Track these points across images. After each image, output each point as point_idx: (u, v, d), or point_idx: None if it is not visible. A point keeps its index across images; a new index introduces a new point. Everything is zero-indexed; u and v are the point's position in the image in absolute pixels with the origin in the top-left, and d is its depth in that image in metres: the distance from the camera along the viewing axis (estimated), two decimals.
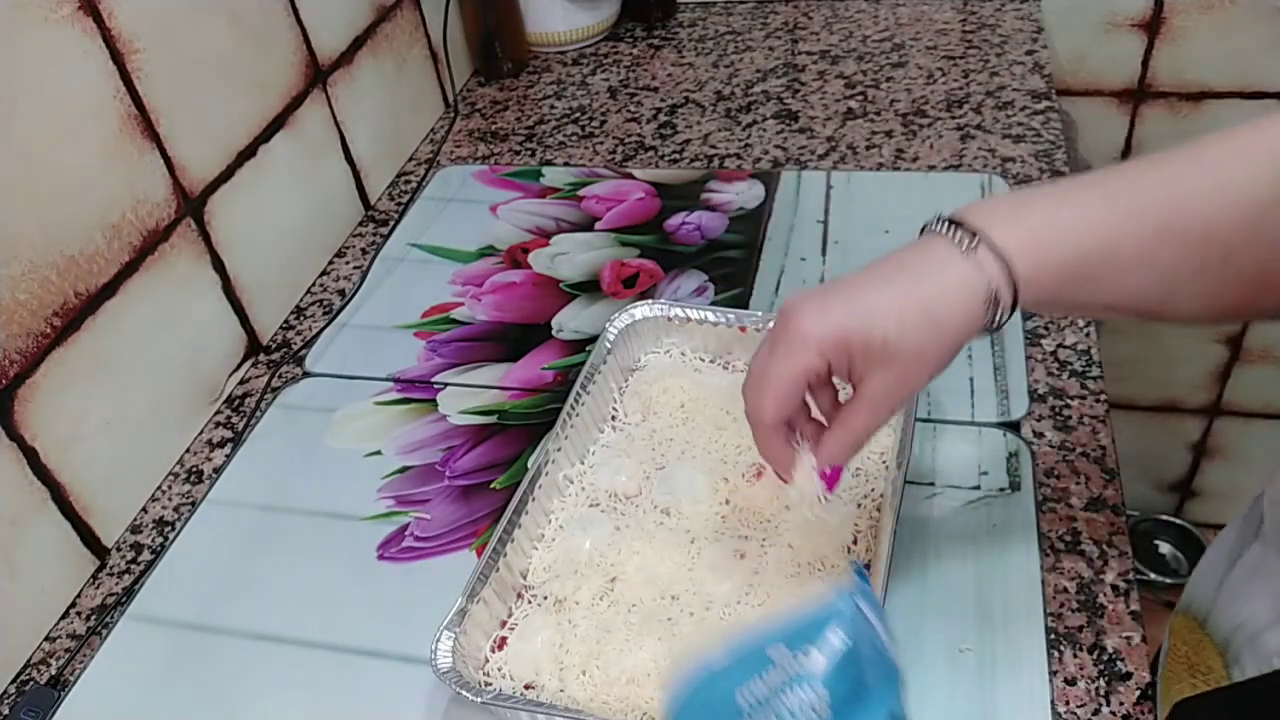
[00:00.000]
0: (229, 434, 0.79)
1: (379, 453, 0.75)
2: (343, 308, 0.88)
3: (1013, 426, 0.70)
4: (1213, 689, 0.47)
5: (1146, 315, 0.51)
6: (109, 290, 0.70)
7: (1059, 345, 0.76)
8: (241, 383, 0.84)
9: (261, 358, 0.86)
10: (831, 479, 0.53)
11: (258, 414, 0.80)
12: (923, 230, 0.49)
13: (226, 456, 0.77)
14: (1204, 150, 0.48)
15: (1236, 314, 0.51)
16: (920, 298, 0.47)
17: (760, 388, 0.50)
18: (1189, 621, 0.51)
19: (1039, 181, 0.92)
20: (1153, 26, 1.20)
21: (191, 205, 0.77)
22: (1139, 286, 0.48)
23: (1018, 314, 0.79)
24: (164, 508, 0.74)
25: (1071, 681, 0.56)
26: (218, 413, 0.81)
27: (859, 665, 0.41)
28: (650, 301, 0.75)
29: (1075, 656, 0.57)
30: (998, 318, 0.47)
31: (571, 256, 0.91)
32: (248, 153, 0.83)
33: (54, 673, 0.64)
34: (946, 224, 0.48)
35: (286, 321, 0.89)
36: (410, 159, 1.10)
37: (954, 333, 0.47)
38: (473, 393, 0.79)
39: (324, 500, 0.72)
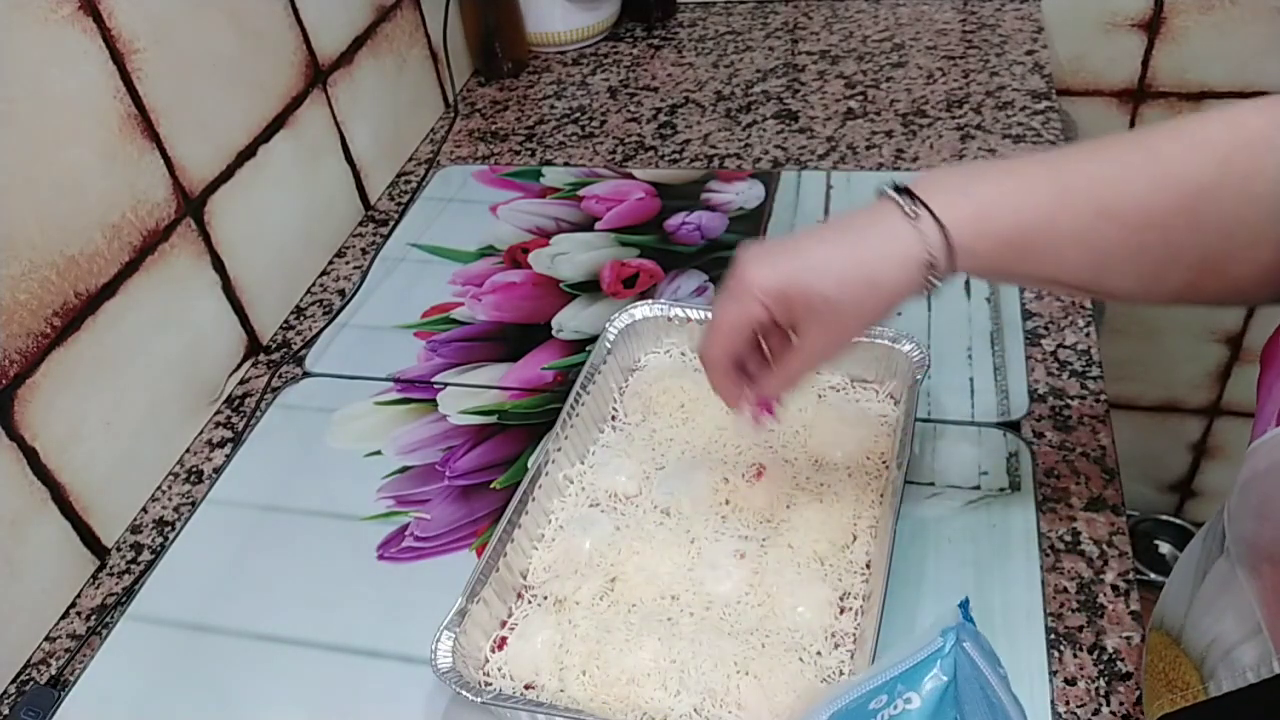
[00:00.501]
0: (229, 434, 0.79)
1: (379, 453, 0.75)
2: (343, 308, 0.88)
3: (1013, 426, 0.70)
4: (1190, 705, 0.47)
5: (1084, 291, 0.54)
6: (109, 290, 0.70)
7: (1059, 345, 0.76)
8: (241, 383, 0.84)
9: (261, 358, 0.86)
10: (762, 410, 0.58)
11: (258, 414, 0.80)
12: (879, 194, 0.52)
13: (226, 456, 0.77)
14: (1150, 136, 0.51)
15: (1178, 297, 0.53)
16: (861, 259, 0.51)
17: (710, 330, 0.55)
18: (1164, 638, 0.51)
19: None
20: (1153, 26, 1.20)
21: (191, 205, 0.77)
22: (1075, 263, 0.51)
23: (1016, 314, 0.79)
24: (164, 508, 0.74)
25: (1071, 681, 0.56)
26: (218, 413, 0.81)
27: (958, 703, 0.40)
28: (650, 301, 0.75)
29: (1075, 656, 0.57)
30: (933, 283, 0.51)
31: (571, 256, 0.91)
32: (248, 153, 0.83)
33: (54, 673, 0.64)
34: (897, 191, 0.51)
35: (286, 321, 0.89)
36: (410, 159, 1.10)
37: (890, 293, 0.51)
38: (473, 393, 0.79)
39: (324, 500, 0.72)
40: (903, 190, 0.51)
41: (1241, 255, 0.50)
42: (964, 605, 0.42)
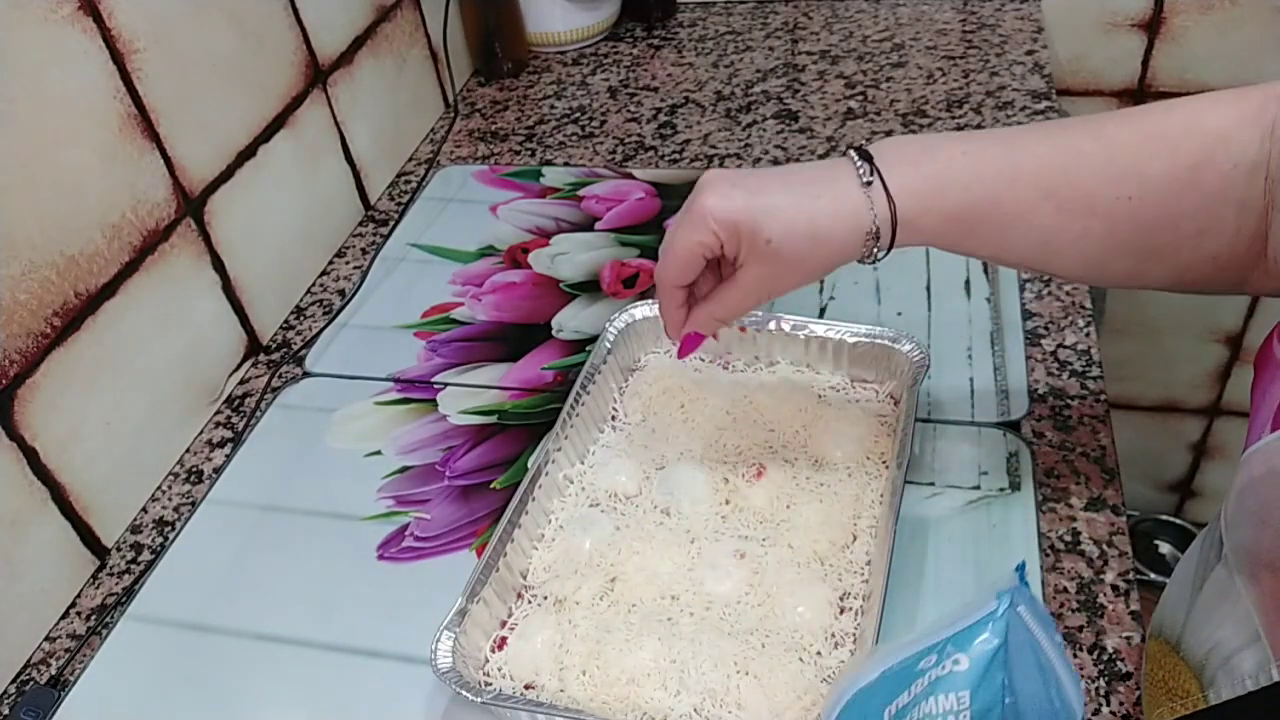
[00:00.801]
0: (229, 434, 0.79)
1: (379, 453, 0.75)
2: (343, 308, 0.88)
3: (1013, 426, 0.70)
4: (1190, 713, 0.47)
5: (1031, 269, 0.58)
6: (109, 290, 0.70)
7: (1059, 345, 0.76)
8: (241, 383, 0.84)
9: (261, 358, 0.86)
10: (686, 345, 0.62)
11: (258, 414, 0.80)
12: (845, 150, 0.54)
13: (226, 456, 0.77)
14: (1106, 124, 0.52)
15: (1124, 281, 0.55)
16: (811, 213, 0.52)
17: (666, 253, 0.56)
18: (1162, 646, 0.51)
19: None
20: (1152, 26, 1.20)
21: (191, 205, 0.77)
22: (1019, 243, 0.52)
23: (1016, 314, 0.79)
24: (164, 508, 0.74)
25: None
26: (218, 413, 0.81)
27: (1007, 667, 0.39)
28: (650, 301, 0.75)
29: (1075, 656, 0.57)
30: (874, 251, 0.53)
31: (571, 256, 0.91)
32: (248, 153, 0.83)
33: (54, 673, 0.64)
34: (858, 154, 0.53)
35: (286, 321, 0.89)
36: (410, 159, 1.10)
37: (831, 253, 0.53)
38: (473, 393, 0.79)
39: (324, 500, 0.72)
40: (863, 154, 0.53)
41: (1189, 245, 0.50)
42: (1020, 569, 0.41)
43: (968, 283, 0.82)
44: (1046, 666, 0.40)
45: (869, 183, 0.52)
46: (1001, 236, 0.52)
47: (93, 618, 0.67)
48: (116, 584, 0.69)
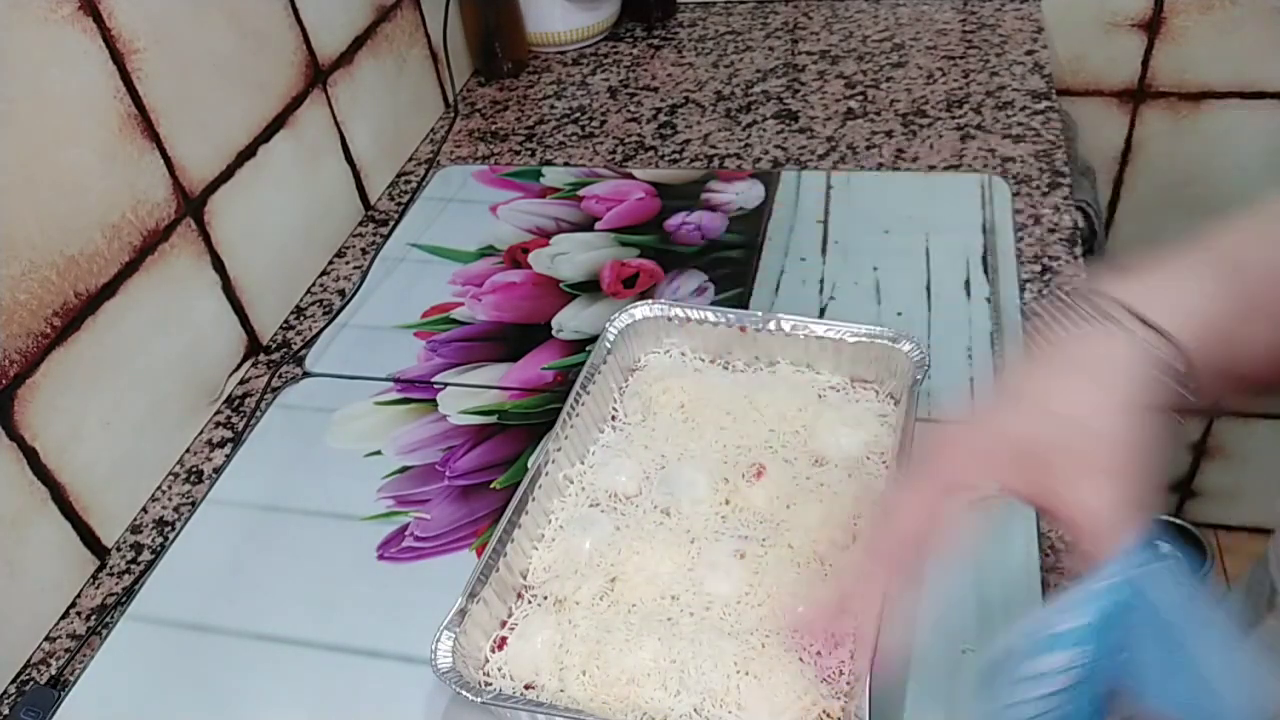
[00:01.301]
0: (229, 434, 0.79)
1: (379, 453, 0.75)
2: (343, 308, 0.88)
3: None
4: None
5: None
6: (109, 290, 0.70)
7: None
8: (241, 383, 0.84)
9: (261, 358, 0.86)
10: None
11: (258, 414, 0.80)
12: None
13: (226, 456, 0.77)
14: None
15: None
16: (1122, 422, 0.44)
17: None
18: None
19: (1038, 181, 0.92)
20: (1153, 26, 1.20)
21: (191, 205, 0.77)
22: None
23: (1016, 314, 0.79)
24: (164, 508, 0.74)
25: None
26: (218, 413, 0.81)
27: (1127, 629, 0.37)
28: (650, 301, 0.75)
29: None
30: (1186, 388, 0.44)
31: (571, 256, 0.91)
32: (248, 153, 0.83)
33: (54, 673, 0.64)
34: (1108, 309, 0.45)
35: (286, 321, 0.89)
36: (410, 159, 1.10)
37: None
38: (473, 393, 0.79)
39: (324, 500, 0.72)
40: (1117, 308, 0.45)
41: None
42: (1151, 541, 0.40)
43: (967, 283, 0.82)
44: (1176, 646, 0.38)
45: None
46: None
47: (93, 618, 0.67)
48: (116, 584, 0.69)
